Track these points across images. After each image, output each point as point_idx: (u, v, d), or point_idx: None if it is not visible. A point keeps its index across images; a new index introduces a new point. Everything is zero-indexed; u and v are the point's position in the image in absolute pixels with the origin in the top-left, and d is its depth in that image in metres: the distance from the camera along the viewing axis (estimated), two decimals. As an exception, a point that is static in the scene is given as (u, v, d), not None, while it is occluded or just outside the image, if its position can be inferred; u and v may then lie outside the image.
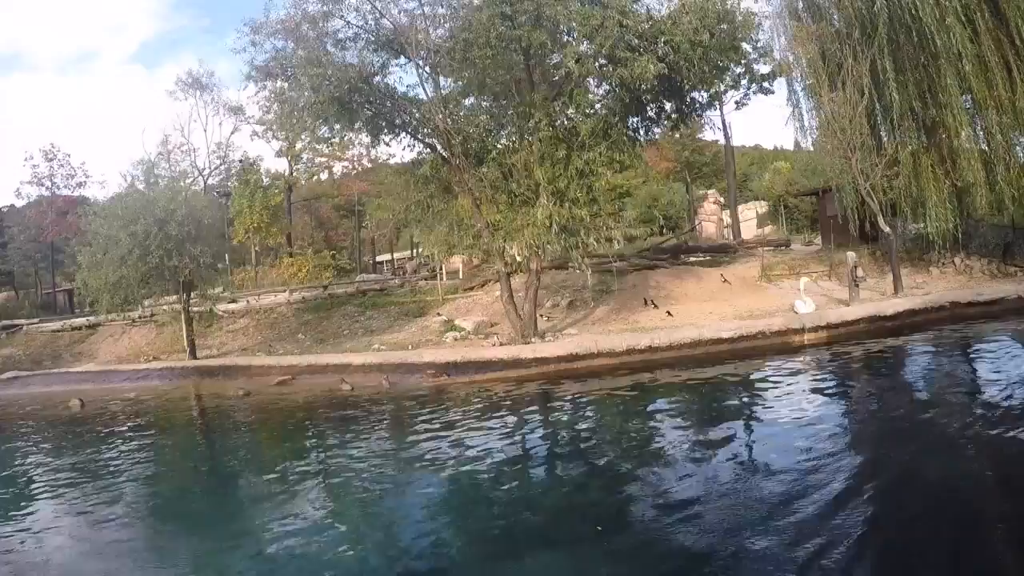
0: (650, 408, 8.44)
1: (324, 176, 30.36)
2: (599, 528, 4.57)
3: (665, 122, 12.83)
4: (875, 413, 7.28)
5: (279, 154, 28.29)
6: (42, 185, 29.68)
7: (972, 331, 11.06)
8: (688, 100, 12.16)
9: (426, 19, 10.94)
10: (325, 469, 6.90)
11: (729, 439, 6.47)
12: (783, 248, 23.39)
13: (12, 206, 32.26)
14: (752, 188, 34.61)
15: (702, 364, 10.53)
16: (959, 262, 15.69)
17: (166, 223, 13.93)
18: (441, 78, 12.30)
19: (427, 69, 11.06)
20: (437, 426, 7.99)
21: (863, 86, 13.63)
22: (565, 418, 8.30)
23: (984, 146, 14.04)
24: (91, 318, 22.02)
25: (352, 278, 26.64)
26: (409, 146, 12.45)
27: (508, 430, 7.78)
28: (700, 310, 14.73)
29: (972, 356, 9.81)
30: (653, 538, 4.43)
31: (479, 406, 9.05)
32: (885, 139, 14.26)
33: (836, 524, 4.16)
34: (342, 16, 11.21)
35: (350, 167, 29.49)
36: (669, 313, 14.58)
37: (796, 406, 7.61)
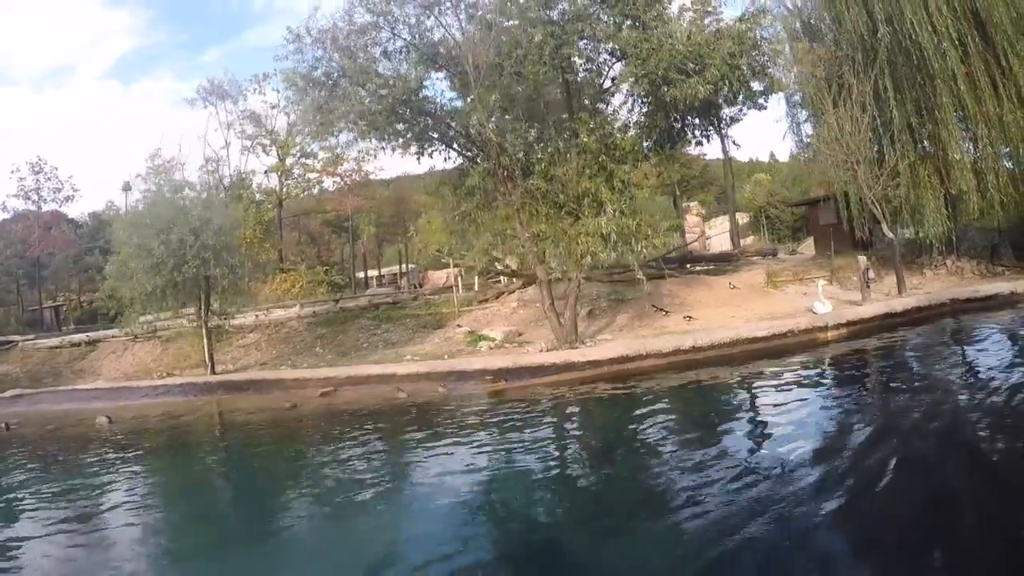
0: (727, 398, 9.17)
1: (315, 191, 30.27)
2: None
3: (690, 137, 13.59)
4: (908, 389, 8.63)
5: (270, 169, 28.27)
6: (29, 199, 29.00)
7: (974, 321, 12.55)
8: (713, 118, 12.96)
9: (472, 33, 11.40)
10: (438, 472, 7.04)
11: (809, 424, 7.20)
12: (771, 257, 24.61)
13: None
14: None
15: (744, 361, 11.27)
16: (951, 263, 16.98)
17: (201, 232, 13.90)
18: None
19: (475, 83, 11.44)
20: (534, 425, 8.42)
21: (865, 104, 14.76)
22: (653, 413, 8.79)
23: (975, 157, 15.36)
24: (91, 334, 21.53)
25: (346, 293, 26.74)
26: (447, 158, 12.90)
27: (605, 425, 8.29)
28: (719, 315, 15.47)
29: (977, 340, 11.24)
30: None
31: (559, 405, 9.53)
32: (886, 152, 15.39)
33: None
34: (392, 29, 11.57)
35: (341, 182, 29.62)
36: (691, 317, 15.33)
37: (846, 388, 9.04)
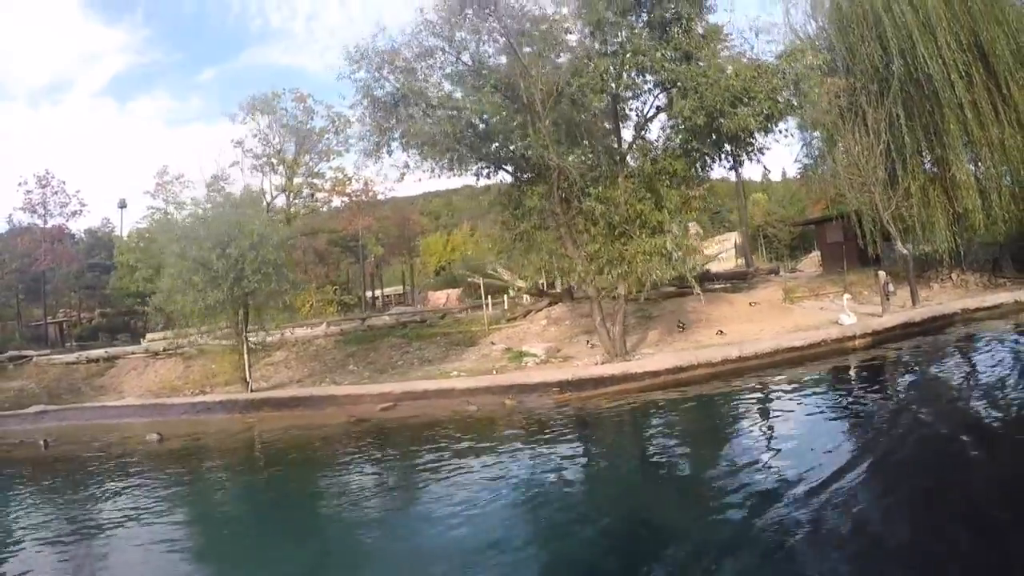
0: (787, 399, 10.22)
1: (322, 210, 30.83)
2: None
3: (723, 163, 14.64)
4: (939, 383, 10.39)
5: (278, 188, 28.81)
6: (35, 212, 29.19)
7: (983, 328, 14.25)
8: (749, 145, 14.01)
9: (537, 61, 12.29)
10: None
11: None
12: (774, 275, 25.96)
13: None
14: (731, 219, 37.74)
15: (786, 367, 12.45)
16: (956, 277, 18.44)
17: (259, 247, 14.42)
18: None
19: (542, 110, 12.27)
20: (625, 428, 9.29)
21: (880, 131, 16.14)
22: (736, 413, 9.85)
23: (979, 177, 16.87)
24: (109, 350, 21.70)
25: (355, 313, 27.28)
26: (502, 180, 13.83)
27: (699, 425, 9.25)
28: (748, 329, 16.46)
29: (989, 344, 12.81)
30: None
31: (640, 411, 10.42)
32: (899, 174, 16.77)
33: None
34: (457, 54, 12.38)
35: (349, 202, 30.25)
36: (722, 332, 16.36)
37: (884, 385, 10.71)
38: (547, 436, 9.40)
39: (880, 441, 7.14)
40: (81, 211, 30.31)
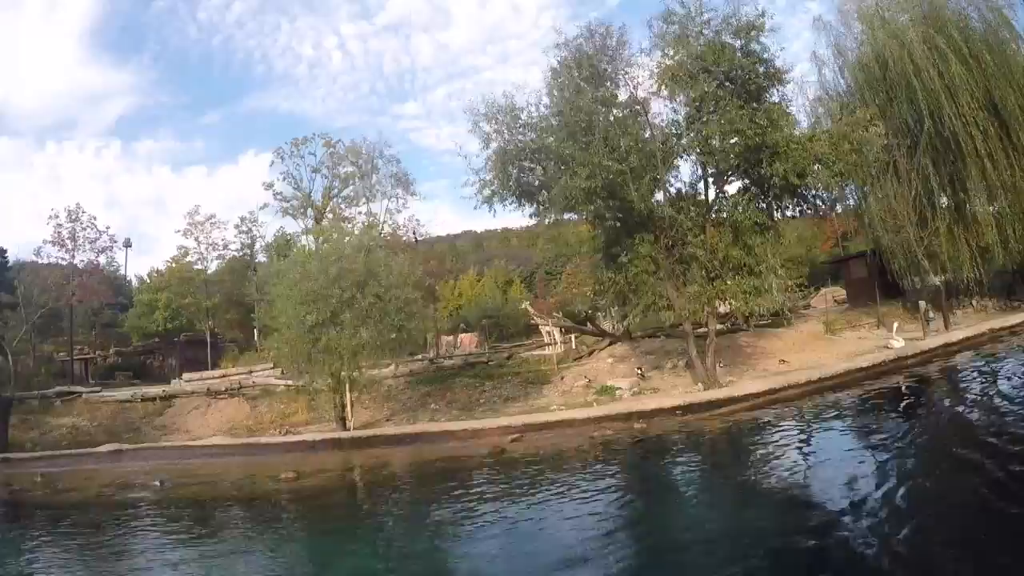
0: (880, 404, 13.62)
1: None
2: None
3: (786, 211, 17.89)
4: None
5: (307, 231, 30.97)
6: (63, 247, 30.16)
7: (1010, 343, 18.02)
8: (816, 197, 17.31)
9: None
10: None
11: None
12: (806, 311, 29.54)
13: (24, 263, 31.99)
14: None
15: (860, 384, 15.61)
16: (976, 303, 22.23)
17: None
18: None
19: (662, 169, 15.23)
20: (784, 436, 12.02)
21: (912, 180, 19.85)
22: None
23: (997, 216, 20.70)
24: (166, 388, 22.90)
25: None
26: (612, 227, 16.70)
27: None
28: (806, 358, 19.34)
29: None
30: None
31: (772, 423, 13.22)
32: (928, 216, 20.46)
33: None
34: (588, 119, 14.86)
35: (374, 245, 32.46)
36: (784, 361, 19.42)
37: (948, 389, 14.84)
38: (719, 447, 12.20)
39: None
40: (112, 247, 31.92)
